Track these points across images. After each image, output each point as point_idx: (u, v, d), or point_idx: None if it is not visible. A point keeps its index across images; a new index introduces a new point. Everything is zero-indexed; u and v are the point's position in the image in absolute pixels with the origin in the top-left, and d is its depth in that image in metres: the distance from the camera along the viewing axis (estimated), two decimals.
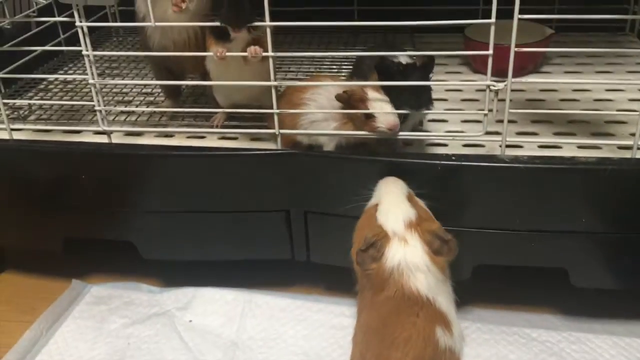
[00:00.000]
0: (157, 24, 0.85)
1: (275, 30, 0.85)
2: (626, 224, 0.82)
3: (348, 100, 0.82)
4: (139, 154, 0.93)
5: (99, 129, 0.94)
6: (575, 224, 0.82)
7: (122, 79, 1.18)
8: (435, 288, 0.76)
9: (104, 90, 1.12)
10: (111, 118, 1.03)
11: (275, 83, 0.85)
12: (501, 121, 0.82)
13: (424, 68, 0.85)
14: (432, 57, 0.84)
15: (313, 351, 0.92)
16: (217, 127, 0.97)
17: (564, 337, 0.90)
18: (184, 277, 1.05)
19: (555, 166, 0.81)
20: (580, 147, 0.88)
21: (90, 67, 0.88)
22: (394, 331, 0.74)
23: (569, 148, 0.87)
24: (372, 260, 0.78)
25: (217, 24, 0.83)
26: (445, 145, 0.91)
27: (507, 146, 0.84)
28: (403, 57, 0.87)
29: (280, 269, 1.06)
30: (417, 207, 0.80)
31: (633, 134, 0.81)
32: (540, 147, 0.88)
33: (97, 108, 0.91)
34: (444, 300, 0.77)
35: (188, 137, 0.97)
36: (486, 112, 0.82)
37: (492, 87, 0.80)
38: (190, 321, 0.98)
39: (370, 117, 0.82)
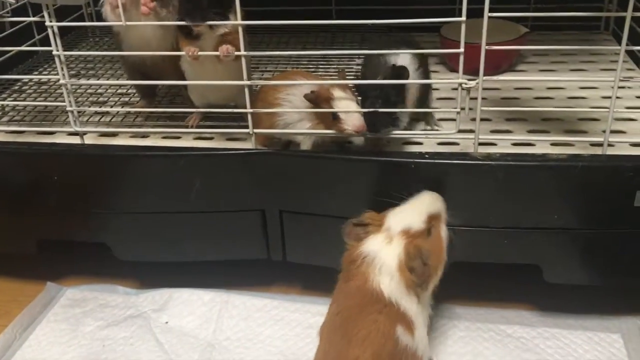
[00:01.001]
0: (128, 22, 0.84)
1: (253, 30, 0.85)
2: (598, 220, 0.83)
3: (315, 100, 0.82)
4: (112, 155, 0.92)
5: (72, 130, 0.93)
6: (547, 220, 0.83)
7: (97, 80, 1.17)
8: (398, 293, 0.76)
9: (78, 91, 1.12)
10: (85, 119, 1.02)
11: (248, 82, 0.85)
12: (475, 119, 0.83)
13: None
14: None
15: (290, 351, 0.92)
16: (192, 127, 0.96)
17: (538, 333, 0.91)
18: (160, 279, 1.05)
19: (527, 163, 0.81)
20: (553, 144, 0.88)
21: (61, 67, 0.87)
22: (354, 327, 0.75)
23: (542, 145, 0.87)
24: (355, 238, 0.79)
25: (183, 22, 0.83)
26: (420, 143, 0.92)
27: (481, 144, 0.85)
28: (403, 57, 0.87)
29: (257, 269, 1.06)
30: (429, 227, 0.79)
31: (605, 131, 0.81)
32: (514, 144, 0.88)
33: (68, 109, 0.90)
34: (410, 306, 0.77)
35: (163, 138, 0.96)
36: (459, 109, 0.82)
37: (464, 85, 0.80)
38: (167, 323, 0.97)
39: (337, 117, 0.82)
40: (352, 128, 0.81)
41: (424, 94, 0.93)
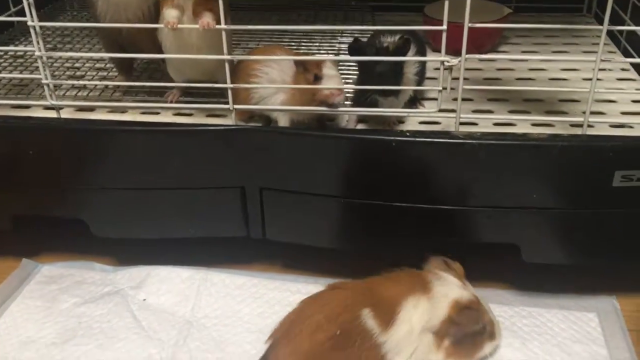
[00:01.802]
0: None
1: (235, 6, 0.83)
2: (577, 199, 0.83)
3: (303, 66, 0.82)
4: (89, 130, 0.91)
5: (48, 104, 0.91)
6: (527, 200, 0.83)
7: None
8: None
9: (55, 64, 1.10)
10: (62, 93, 1.00)
11: (228, 57, 0.84)
12: (457, 99, 0.82)
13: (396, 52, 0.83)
14: (407, 40, 0.83)
15: (268, 329, 0.90)
16: (171, 102, 0.95)
17: (516, 312, 0.91)
18: (138, 256, 1.04)
19: (507, 142, 0.81)
20: (534, 124, 0.89)
21: (37, 38, 0.85)
22: (322, 294, 0.76)
23: (523, 125, 0.88)
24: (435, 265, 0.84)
25: None
26: (402, 122, 0.91)
27: (463, 123, 0.84)
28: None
29: (237, 247, 1.05)
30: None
31: (585, 112, 0.82)
32: (495, 124, 0.89)
33: (44, 81, 0.88)
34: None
35: (142, 113, 0.95)
36: (440, 88, 0.81)
37: (446, 63, 0.79)
38: (144, 300, 0.96)
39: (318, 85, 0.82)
40: (330, 92, 0.80)
41: (421, 78, 0.93)
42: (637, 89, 1.00)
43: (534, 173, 0.82)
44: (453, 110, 0.84)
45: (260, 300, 0.97)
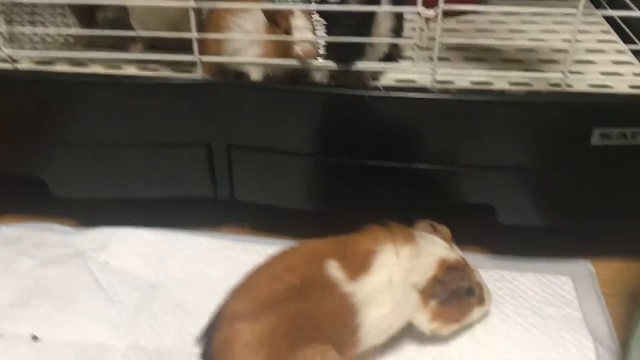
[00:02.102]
0: None
1: None
2: (554, 159, 0.81)
3: (273, 17, 0.78)
4: (47, 82, 0.86)
5: (2, 54, 0.86)
6: (503, 159, 0.81)
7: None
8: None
9: (12, 16, 1.04)
10: (19, 45, 0.94)
11: (193, 5, 0.79)
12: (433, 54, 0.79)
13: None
14: None
15: None
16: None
17: (490, 275, 0.89)
18: (100, 217, 0.99)
19: (484, 99, 0.78)
20: (512, 84, 0.86)
21: None
22: (289, 248, 0.74)
23: (501, 84, 0.84)
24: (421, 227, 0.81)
25: None
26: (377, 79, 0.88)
27: (439, 82, 0.81)
28: None
29: (205, 208, 1.01)
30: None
31: (564, 72, 0.79)
32: (473, 83, 0.86)
33: None
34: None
35: (104, 68, 0.90)
36: (416, 41, 0.78)
37: (422, 13, 0.76)
38: (106, 262, 0.92)
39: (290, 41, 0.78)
40: (301, 51, 0.77)
41: (398, 29, 0.89)
42: (617, 51, 0.98)
43: (510, 131, 0.79)
44: (429, 69, 0.81)
45: (228, 262, 0.93)
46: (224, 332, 0.68)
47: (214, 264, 0.93)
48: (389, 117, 0.80)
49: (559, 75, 0.80)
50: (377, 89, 0.80)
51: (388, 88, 0.80)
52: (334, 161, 0.85)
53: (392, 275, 0.73)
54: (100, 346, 0.80)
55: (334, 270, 0.71)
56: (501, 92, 0.80)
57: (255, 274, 0.73)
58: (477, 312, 0.80)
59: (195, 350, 0.79)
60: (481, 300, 0.80)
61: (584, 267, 0.91)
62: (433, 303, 0.75)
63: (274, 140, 0.85)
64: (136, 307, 0.85)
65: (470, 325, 0.81)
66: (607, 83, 0.85)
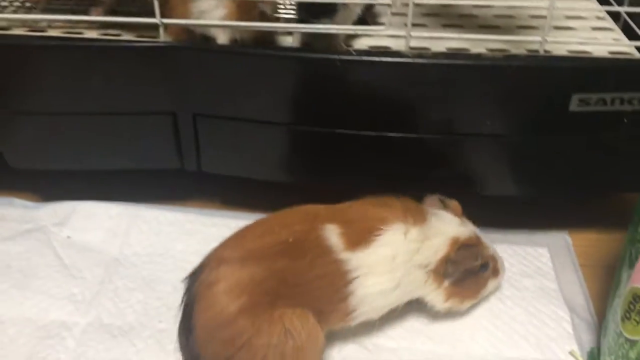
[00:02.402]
0: None
1: None
2: (532, 126, 0.78)
3: None
4: (2, 47, 0.80)
5: None
6: (480, 126, 0.78)
7: None
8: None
9: None
10: None
11: None
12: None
13: None
14: None
15: None
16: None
17: None
18: (62, 191, 0.95)
19: (460, 62, 0.75)
20: (490, 50, 0.83)
21: None
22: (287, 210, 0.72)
23: (478, 51, 0.82)
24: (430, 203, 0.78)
25: None
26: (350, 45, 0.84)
27: (415, 48, 0.78)
28: None
29: (172, 181, 0.98)
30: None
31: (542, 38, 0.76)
32: (449, 49, 0.83)
33: None
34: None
35: (64, 32, 0.85)
36: (389, 1, 0.74)
37: None
38: (68, 237, 0.89)
39: None
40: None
41: None
42: (597, 17, 0.95)
43: (487, 96, 0.76)
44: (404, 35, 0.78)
45: (196, 237, 0.90)
46: (209, 274, 0.66)
47: (182, 238, 0.90)
48: (362, 83, 0.77)
49: (537, 39, 0.77)
50: (349, 53, 0.77)
51: (360, 52, 0.77)
52: (306, 130, 0.82)
53: (396, 253, 0.69)
54: (61, 324, 0.77)
55: (332, 235, 0.68)
56: (477, 56, 0.77)
57: (249, 226, 0.71)
58: (491, 285, 0.78)
59: (160, 327, 0.77)
60: (495, 272, 0.78)
61: (561, 239, 0.89)
62: (447, 283, 0.73)
63: (242, 108, 0.81)
64: (99, 283, 0.82)
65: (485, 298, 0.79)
66: (586, 49, 0.83)
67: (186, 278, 0.69)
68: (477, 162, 0.81)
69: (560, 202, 0.92)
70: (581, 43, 0.84)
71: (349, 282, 0.68)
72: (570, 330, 0.76)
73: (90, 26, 0.86)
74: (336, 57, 0.75)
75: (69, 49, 0.80)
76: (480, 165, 0.81)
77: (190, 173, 0.90)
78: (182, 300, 0.68)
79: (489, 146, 0.79)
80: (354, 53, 0.76)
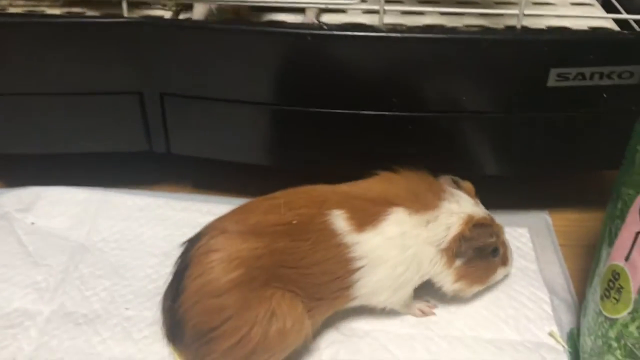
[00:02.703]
0: None
1: None
2: (510, 102, 0.75)
3: None
4: None
5: None
6: (456, 103, 0.75)
7: None
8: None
9: None
10: None
11: None
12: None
13: None
14: None
15: (174, 252, 0.82)
16: None
17: None
18: (27, 176, 0.92)
19: (435, 36, 0.72)
20: (467, 26, 0.80)
21: None
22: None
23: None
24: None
25: None
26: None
27: (390, 25, 0.75)
28: None
29: (142, 165, 0.95)
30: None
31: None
32: (426, 25, 0.80)
33: None
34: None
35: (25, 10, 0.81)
36: None
37: None
38: (33, 223, 0.85)
39: None
40: None
41: None
42: None
43: (463, 72, 0.74)
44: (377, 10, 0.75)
45: (166, 222, 0.87)
46: (207, 242, 0.64)
47: (151, 224, 0.87)
48: (334, 59, 0.74)
49: (515, 12, 0.74)
50: (319, 27, 0.74)
51: (332, 26, 0.74)
52: (277, 109, 0.79)
53: (404, 232, 0.67)
54: (24, 312, 0.73)
55: (339, 219, 0.66)
56: (453, 30, 0.74)
57: (255, 202, 0.69)
58: (500, 272, 0.75)
59: (127, 314, 0.74)
60: (505, 261, 0.75)
61: (541, 219, 0.88)
62: (458, 263, 0.70)
63: (210, 87, 0.78)
64: (64, 271, 0.79)
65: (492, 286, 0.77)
66: (565, 24, 0.81)
67: (184, 243, 0.67)
68: (453, 140, 0.79)
69: (540, 182, 0.90)
70: (560, 17, 0.82)
71: (356, 264, 0.66)
72: (550, 312, 0.74)
73: (52, 4, 0.83)
74: (307, 31, 0.73)
75: (30, 27, 0.76)
76: (457, 144, 0.79)
77: (161, 156, 0.87)
78: (175, 264, 0.67)
79: (465, 123, 0.77)
80: (325, 28, 0.73)
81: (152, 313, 0.74)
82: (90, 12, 0.82)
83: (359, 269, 0.66)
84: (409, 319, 0.74)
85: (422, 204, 0.69)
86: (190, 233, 0.85)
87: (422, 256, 0.69)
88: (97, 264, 0.80)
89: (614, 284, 0.61)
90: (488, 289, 0.76)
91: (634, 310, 0.58)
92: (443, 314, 0.74)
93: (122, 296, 0.76)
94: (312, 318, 0.67)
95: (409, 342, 0.71)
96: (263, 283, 0.63)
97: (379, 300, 0.70)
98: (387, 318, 0.74)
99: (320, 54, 0.74)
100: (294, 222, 0.65)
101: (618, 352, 0.60)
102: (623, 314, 0.60)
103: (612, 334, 0.61)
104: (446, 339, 0.71)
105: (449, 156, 0.80)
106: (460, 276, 0.71)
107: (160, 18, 0.77)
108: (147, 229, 0.86)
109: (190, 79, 0.78)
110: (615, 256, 0.62)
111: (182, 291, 0.63)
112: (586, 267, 0.79)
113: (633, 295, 0.58)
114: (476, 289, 0.74)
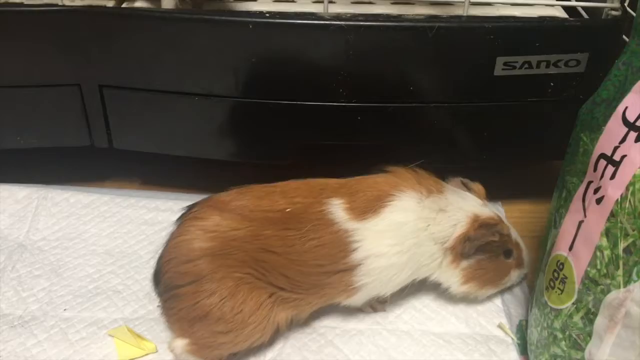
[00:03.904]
0: None
1: None
2: (457, 92, 0.74)
3: None
4: None
5: None
6: (403, 93, 0.74)
7: None
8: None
9: None
10: None
11: None
12: None
13: None
14: None
15: (118, 249, 0.80)
16: None
17: None
18: None
19: (380, 23, 0.70)
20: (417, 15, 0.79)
21: None
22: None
23: None
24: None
25: None
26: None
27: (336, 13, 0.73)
28: None
29: (89, 162, 0.92)
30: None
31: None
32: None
33: None
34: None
35: None
36: None
37: None
38: None
39: None
40: None
41: None
42: None
43: (409, 61, 0.72)
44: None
45: (111, 219, 0.84)
46: (199, 209, 0.66)
47: (95, 221, 0.84)
48: (275, 47, 0.72)
49: (460, 0, 0.73)
50: (261, 15, 0.72)
51: (274, 14, 0.72)
52: (221, 100, 0.77)
53: (407, 221, 0.65)
54: None
55: (337, 209, 0.65)
56: (398, 16, 0.73)
57: (255, 186, 0.68)
58: (514, 275, 0.73)
59: (65, 315, 0.71)
60: (520, 263, 0.74)
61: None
62: (465, 264, 0.68)
63: (151, 79, 0.76)
64: (1, 271, 0.75)
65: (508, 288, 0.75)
66: (515, 13, 0.80)
67: (184, 207, 0.68)
68: (402, 131, 0.77)
69: (492, 173, 0.89)
70: (508, 5, 0.81)
71: (353, 251, 0.64)
72: (500, 304, 0.73)
73: None
74: (249, 19, 0.70)
75: None
76: (406, 135, 0.77)
77: (110, 151, 0.84)
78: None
79: (413, 114, 0.76)
80: (267, 15, 0.71)
81: (91, 313, 0.71)
82: (28, 2, 0.79)
83: (357, 251, 0.64)
84: (357, 313, 0.72)
85: (429, 196, 0.67)
86: (136, 230, 0.84)
87: (425, 250, 0.67)
88: (36, 263, 0.77)
89: (558, 274, 0.60)
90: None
91: (578, 301, 0.57)
92: (391, 307, 0.73)
93: (61, 297, 0.73)
94: (294, 309, 0.66)
95: (357, 337, 0.69)
96: (236, 263, 0.63)
97: (378, 291, 0.67)
98: (334, 313, 0.72)
99: (264, 43, 0.72)
100: (288, 209, 0.64)
101: (563, 344, 0.59)
102: (567, 305, 0.59)
103: (557, 324, 0.60)
104: (394, 333, 0.70)
105: (398, 147, 0.79)
106: (469, 278, 0.69)
107: (99, 6, 0.74)
108: (91, 226, 0.83)
109: (129, 71, 0.75)
110: (559, 246, 0.61)
111: (165, 245, 0.66)
112: (538, 258, 0.78)
113: (577, 286, 0.57)
114: (489, 291, 0.72)
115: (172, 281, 0.64)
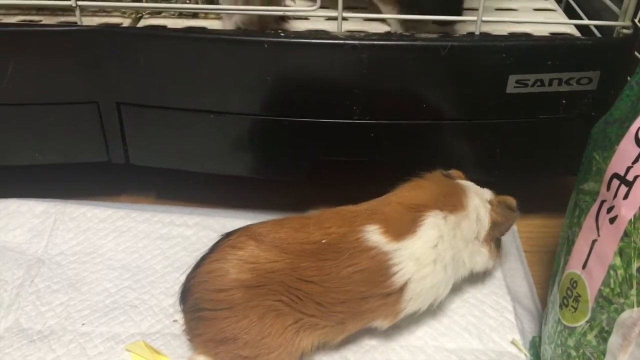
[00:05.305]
0: None
1: None
2: (469, 109, 0.75)
3: None
4: None
5: None
6: (415, 111, 0.75)
7: None
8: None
9: None
10: None
11: None
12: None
13: None
14: None
15: (134, 264, 0.81)
16: None
17: None
18: None
19: (393, 42, 0.71)
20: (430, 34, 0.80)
21: None
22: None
23: None
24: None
25: None
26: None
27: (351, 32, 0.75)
28: None
29: (104, 177, 0.93)
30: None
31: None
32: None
33: None
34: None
35: None
36: None
37: None
38: None
39: None
40: None
41: None
42: None
43: (422, 79, 0.73)
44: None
45: (127, 234, 0.85)
46: (237, 238, 0.66)
47: (112, 236, 0.85)
48: (291, 65, 0.73)
49: (473, 19, 0.74)
50: (276, 34, 0.73)
51: (289, 33, 0.73)
52: (236, 118, 0.78)
53: (442, 235, 0.68)
54: None
55: (374, 235, 0.66)
56: (411, 35, 0.74)
57: (291, 218, 0.69)
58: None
59: (83, 330, 0.72)
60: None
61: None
62: (493, 244, 0.74)
63: (168, 97, 0.77)
64: (19, 286, 0.77)
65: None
66: (527, 30, 0.81)
67: (223, 234, 0.69)
68: (413, 147, 0.78)
69: (504, 188, 0.90)
70: (520, 23, 0.81)
71: (394, 275, 0.65)
72: (513, 320, 0.74)
73: (7, 12, 0.82)
74: (264, 39, 0.72)
75: None
76: (417, 150, 0.78)
77: (125, 167, 0.85)
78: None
79: (425, 130, 0.77)
80: (281, 35, 0.72)
81: (108, 328, 0.72)
82: (46, 21, 0.80)
83: (400, 279, 0.65)
84: (370, 329, 0.72)
85: (452, 205, 0.70)
86: (152, 245, 0.85)
87: (461, 255, 0.71)
88: (54, 278, 0.78)
89: (572, 292, 0.61)
90: (451, 299, 0.76)
91: (592, 319, 0.58)
92: (404, 323, 0.73)
93: (79, 311, 0.74)
94: (324, 336, 0.67)
95: (370, 353, 0.70)
96: (271, 292, 0.63)
97: (423, 305, 0.69)
98: None
99: (279, 61, 0.73)
100: (323, 241, 0.65)
101: None
102: (581, 323, 0.59)
103: (570, 342, 0.60)
104: (408, 349, 0.70)
105: (412, 163, 0.79)
106: (496, 252, 0.76)
107: (115, 25, 0.76)
108: (107, 241, 0.84)
109: (146, 89, 0.77)
110: (572, 264, 0.61)
111: (198, 266, 0.67)
112: (551, 274, 0.78)
113: (590, 304, 0.58)
114: (497, 263, 0.78)
115: (202, 304, 0.64)
